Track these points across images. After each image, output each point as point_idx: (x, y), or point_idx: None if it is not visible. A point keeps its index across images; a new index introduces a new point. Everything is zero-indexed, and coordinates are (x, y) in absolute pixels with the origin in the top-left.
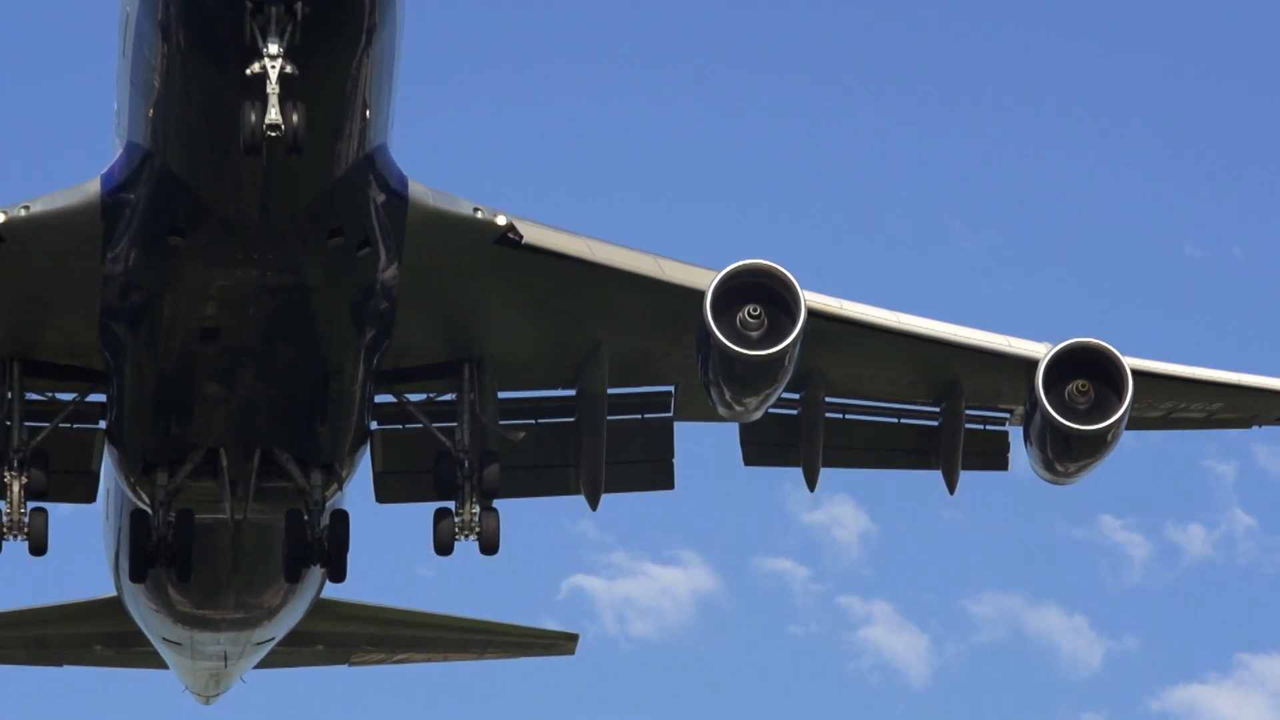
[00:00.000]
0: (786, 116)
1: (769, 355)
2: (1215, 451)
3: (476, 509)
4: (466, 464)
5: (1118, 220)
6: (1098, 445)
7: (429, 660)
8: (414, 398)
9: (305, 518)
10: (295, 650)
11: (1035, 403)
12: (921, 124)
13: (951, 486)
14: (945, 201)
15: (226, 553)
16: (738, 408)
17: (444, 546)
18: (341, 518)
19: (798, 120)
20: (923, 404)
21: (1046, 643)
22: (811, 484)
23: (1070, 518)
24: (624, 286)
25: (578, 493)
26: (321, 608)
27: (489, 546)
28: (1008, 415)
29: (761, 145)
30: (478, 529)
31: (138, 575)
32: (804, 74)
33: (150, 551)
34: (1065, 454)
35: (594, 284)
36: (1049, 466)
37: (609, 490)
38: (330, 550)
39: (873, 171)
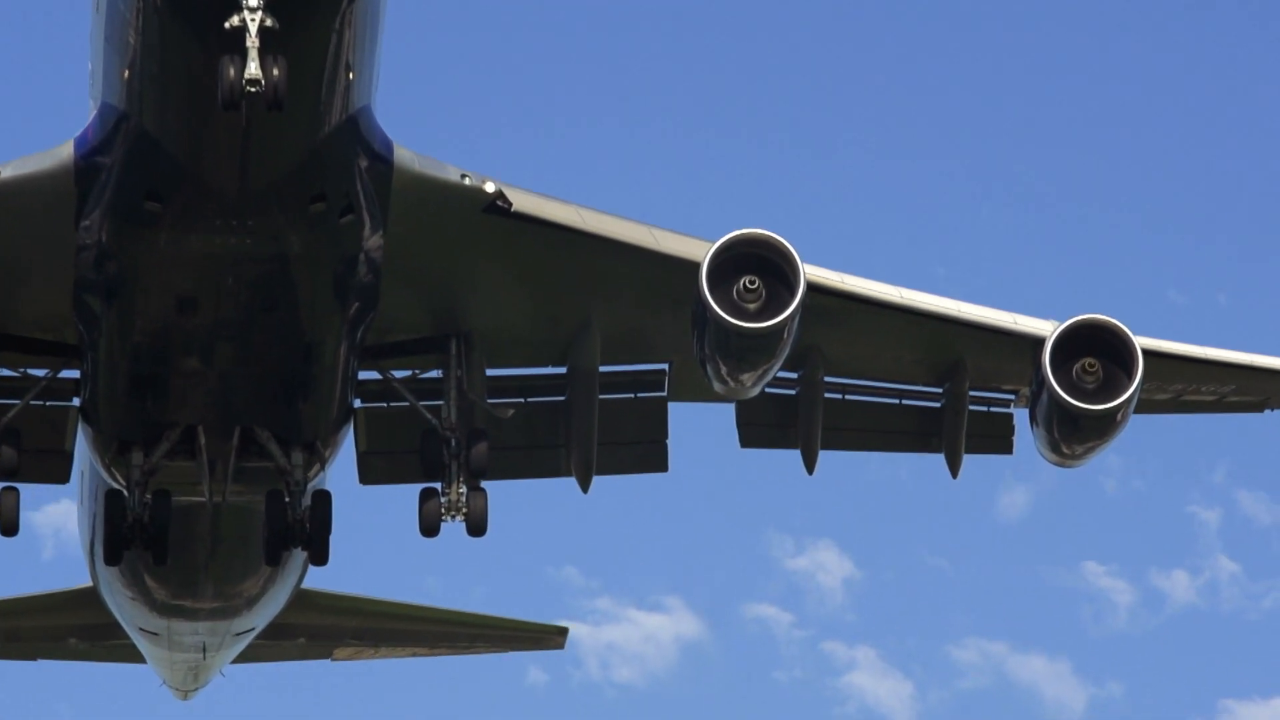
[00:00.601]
0: (784, 86)
1: (767, 328)
2: (1199, 498)
3: (464, 489)
4: (453, 442)
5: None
6: (1106, 426)
7: (414, 654)
8: (399, 374)
9: (286, 499)
10: (277, 644)
11: (1042, 381)
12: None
13: (954, 470)
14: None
15: (204, 537)
16: (734, 384)
17: (430, 527)
18: (323, 499)
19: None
20: (925, 385)
21: (1031, 689)
22: (810, 466)
23: (1054, 563)
24: (616, 257)
25: (568, 474)
26: (303, 599)
27: (477, 527)
28: (1012, 397)
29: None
30: (465, 509)
31: (112, 557)
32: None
33: (125, 533)
34: (1073, 435)
35: (585, 254)
36: (1055, 448)
37: (601, 472)
38: (312, 532)
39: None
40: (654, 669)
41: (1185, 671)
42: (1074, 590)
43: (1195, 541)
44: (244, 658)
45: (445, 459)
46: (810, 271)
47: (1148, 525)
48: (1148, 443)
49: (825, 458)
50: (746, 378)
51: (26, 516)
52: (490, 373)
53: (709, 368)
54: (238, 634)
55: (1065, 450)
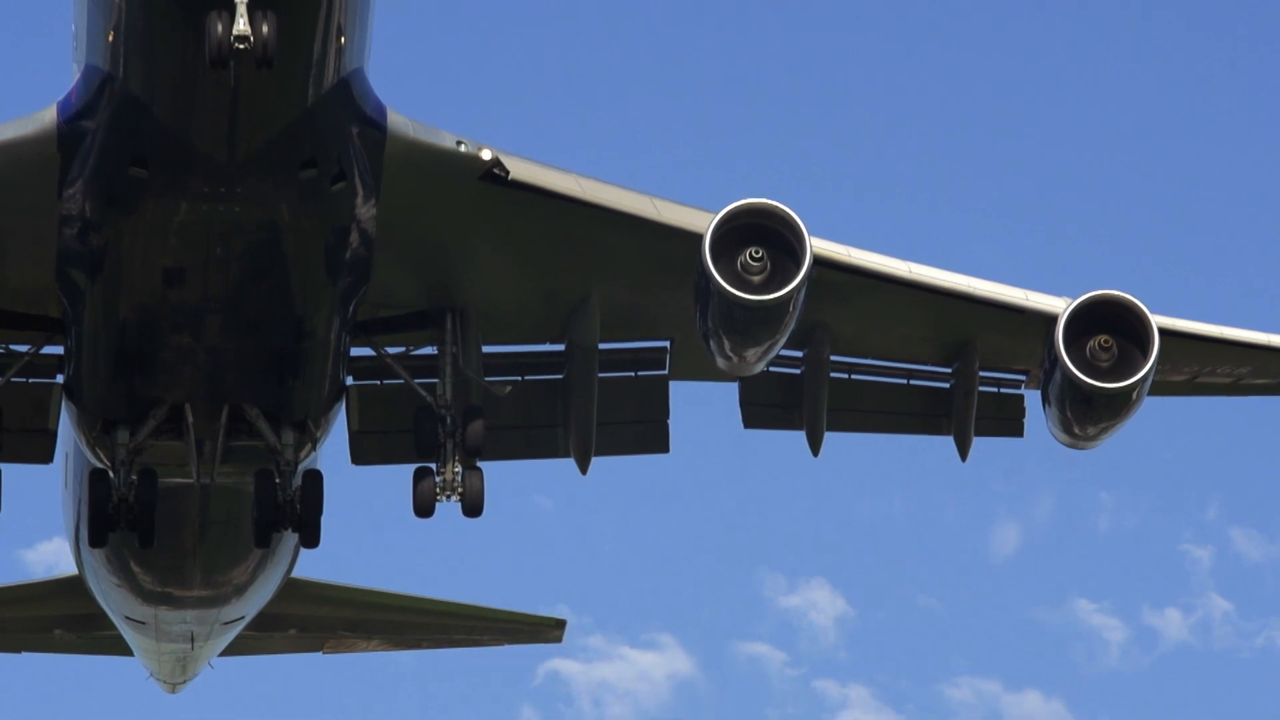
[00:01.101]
0: (789, 54)
1: (773, 300)
2: (1192, 536)
3: (459, 468)
4: (449, 420)
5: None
6: (1121, 405)
7: (408, 647)
8: (393, 351)
9: (276, 479)
10: (267, 635)
11: (1055, 359)
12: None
13: (964, 453)
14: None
15: (192, 520)
16: (737, 361)
17: (424, 508)
18: (315, 478)
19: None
20: (934, 364)
21: None
22: (815, 448)
23: (1047, 601)
24: (617, 228)
25: (566, 455)
26: (294, 588)
27: (473, 508)
28: (1023, 378)
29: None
30: (461, 489)
31: (97, 539)
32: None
33: (110, 514)
34: (1086, 415)
35: (585, 225)
36: (1068, 429)
37: (600, 453)
38: (303, 513)
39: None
40: (647, 707)
41: (1178, 709)
42: (1066, 628)
43: (1188, 579)
44: (233, 650)
45: (440, 437)
46: (817, 245)
47: (1140, 563)
48: (1140, 479)
49: (831, 438)
50: (751, 354)
51: (17, 554)
52: (486, 350)
53: (712, 343)
54: (227, 623)
55: (1078, 431)
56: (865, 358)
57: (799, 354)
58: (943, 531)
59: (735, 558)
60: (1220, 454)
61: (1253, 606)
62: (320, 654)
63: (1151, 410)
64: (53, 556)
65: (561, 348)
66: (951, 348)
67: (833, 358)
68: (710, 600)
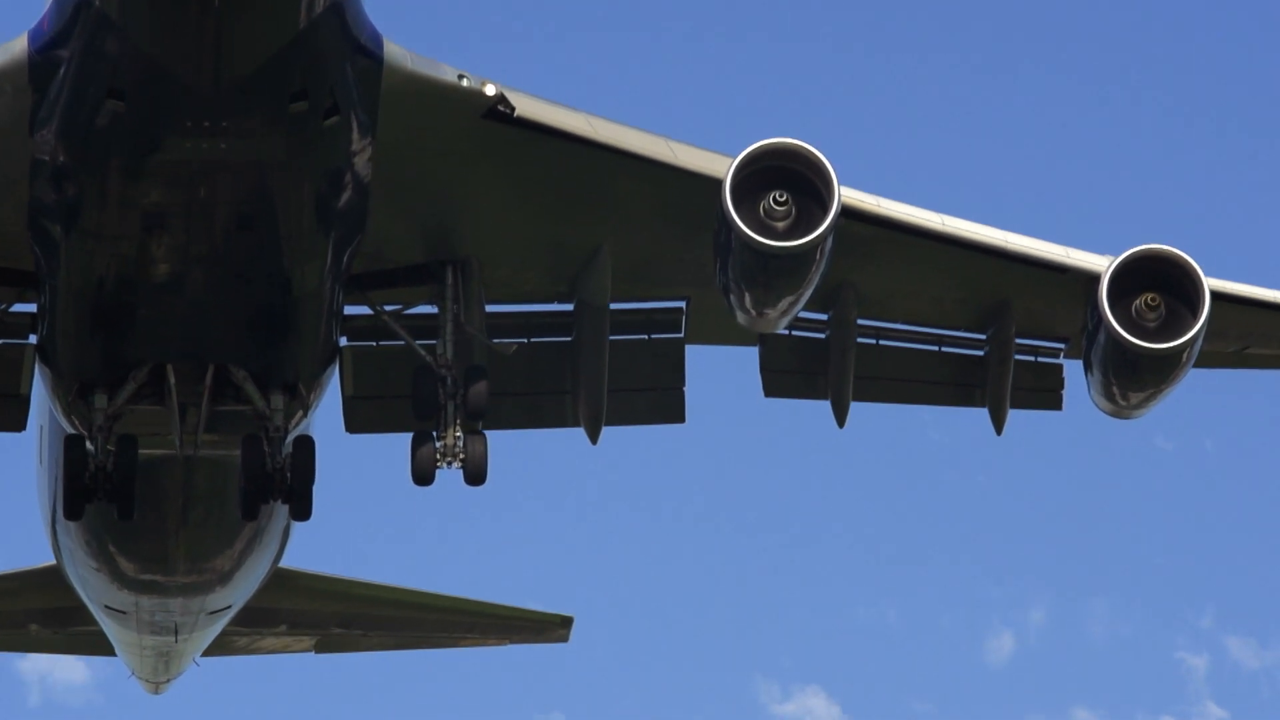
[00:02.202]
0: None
1: (798, 247)
2: (1187, 644)
3: (460, 432)
4: (449, 381)
5: None
6: (1167, 368)
7: (404, 646)
8: (389, 309)
9: (265, 446)
10: (256, 632)
11: (1099, 319)
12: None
13: (999, 426)
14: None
15: (175, 496)
16: (758, 316)
17: (424, 475)
18: (306, 445)
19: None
20: (967, 330)
21: None
22: (840, 419)
23: (1042, 709)
24: (630, 172)
25: (575, 425)
26: (283, 580)
27: (475, 475)
28: (1063, 346)
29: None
30: (462, 455)
31: (73, 511)
32: None
33: (87, 483)
34: (1131, 378)
35: (596, 168)
36: (1110, 395)
37: (612, 422)
38: (293, 482)
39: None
40: None
41: None
42: None
43: (1183, 687)
44: (222, 650)
45: (440, 399)
46: (845, 194)
47: (1135, 671)
48: (1134, 587)
49: (857, 409)
50: (773, 308)
51: (10, 664)
52: (490, 309)
53: (732, 297)
54: (212, 613)
55: (1120, 398)
56: (894, 322)
57: (824, 316)
58: (939, 638)
59: (729, 664)
60: (1215, 561)
61: (1249, 715)
62: (312, 655)
63: (1147, 516)
64: (46, 662)
65: (570, 307)
66: (986, 311)
67: (860, 321)
68: (704, 709)
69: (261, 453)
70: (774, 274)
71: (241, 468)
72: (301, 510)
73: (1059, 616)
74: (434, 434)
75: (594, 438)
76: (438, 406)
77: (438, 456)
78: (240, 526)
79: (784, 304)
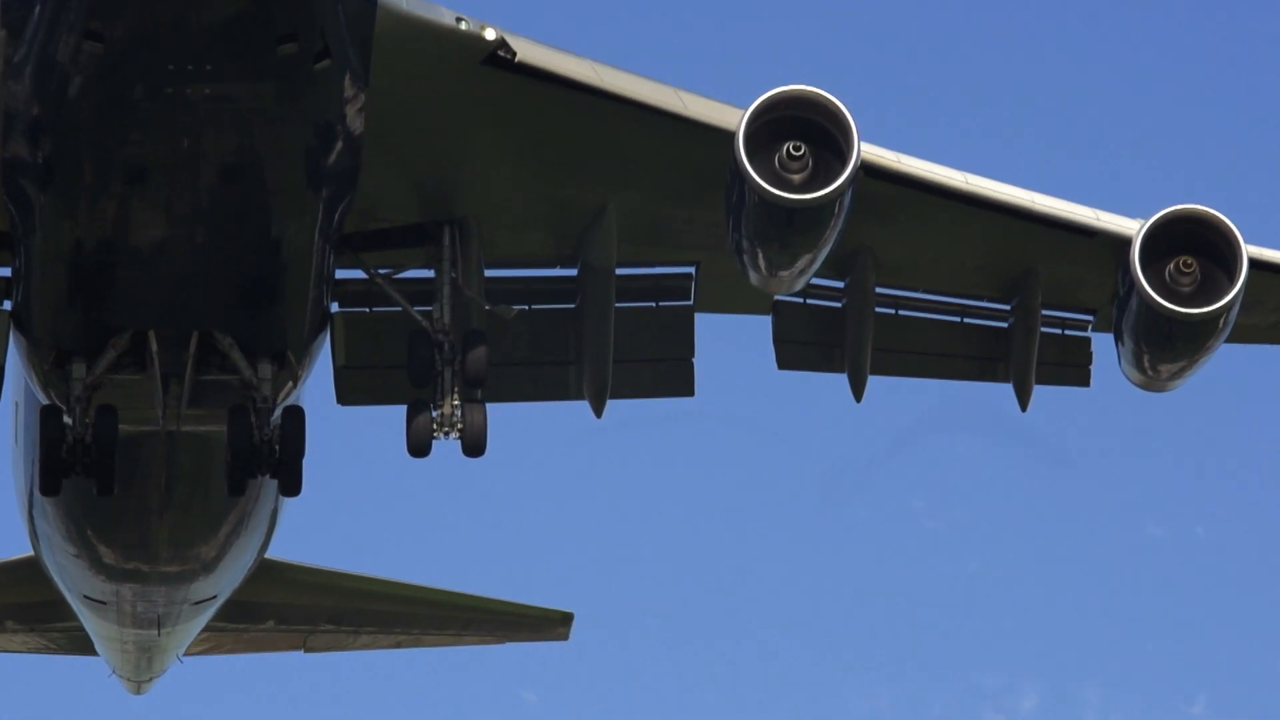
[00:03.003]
0: None
1: (816, 199)
2: None
3: (458, 401)
4: (446, 346)
5: None
6: (1203, 335)
7: (398, 644)
8: (383, 273)
9: (252, 417)
10: (243, 629)
11: (1131, 283)
12: None
13: (1024, 402)
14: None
15: (158, 476)
16: (771, 276)
17: (420, 446)
18: (295, 415)
19: None
20: (991, 300)
21: None
22: (858, 393)
23: None
24: (638, 124)
25: (579, 397)
26: (271, 571)
27: (474, 446)
28: (1091, 318)
29: None
30: (460, 425)
31: (50, 486)
32: None
33: (65, 456)
34: (1164, 347)
35: (602, 120)
36: (1140, 365)
37: (617, 395)
38: (282, 455)
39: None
40: None
41: None
42: None
43: None
44: (208, 648)
45: (437, 365)
46: (864, 149)
47: None
48: (1125, 672)
49: (875, 383)
50: (788, 268)
51: None
52: (489, 274)
53: (745, 257)
54: (197, 603)
55: (1152, 369)
56: (914, 290)
57: (840, 284)
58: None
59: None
60: (1206, 648)
61: None
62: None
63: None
64: None
65: (574, 272)
66: (1010, 279)
67: (878, 290)
68: None
69: (249, 424)
70: (790, 230)
71: (227, 439)
72: (290, 485)
73: (1049, 706)
74: (430, 403)
75: (598, 411)
76: (434, 373)
77: (434, 426)
78: (226, 509)
79: (800, 263)
